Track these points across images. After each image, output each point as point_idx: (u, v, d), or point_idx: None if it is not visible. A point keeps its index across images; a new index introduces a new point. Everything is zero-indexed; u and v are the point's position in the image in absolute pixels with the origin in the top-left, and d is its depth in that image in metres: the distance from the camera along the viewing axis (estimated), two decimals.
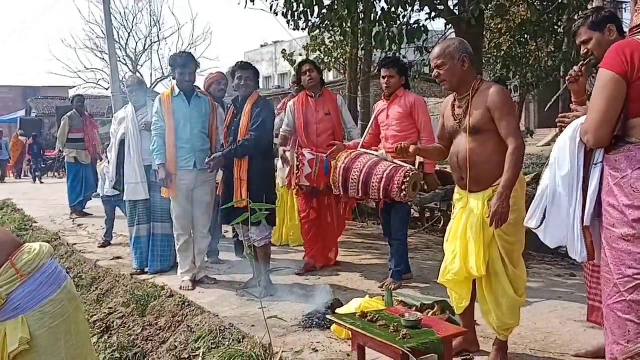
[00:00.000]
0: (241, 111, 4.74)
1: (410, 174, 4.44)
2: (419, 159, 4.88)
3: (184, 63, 4.99)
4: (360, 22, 6.89)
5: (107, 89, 23.47)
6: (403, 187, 4.42)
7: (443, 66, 3.27)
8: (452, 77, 3.27)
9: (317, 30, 8.58)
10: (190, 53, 5.32)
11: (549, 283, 4.99)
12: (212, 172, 4.88)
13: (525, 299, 3.34)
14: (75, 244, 7.27)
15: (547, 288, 4.82)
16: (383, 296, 4.02)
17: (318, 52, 10.94)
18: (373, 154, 4.72)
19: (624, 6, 11.85)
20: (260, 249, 4.79)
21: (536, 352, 3.50)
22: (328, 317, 3.69)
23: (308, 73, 5.44)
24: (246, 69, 4.80)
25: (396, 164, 4.54)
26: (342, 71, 12.69)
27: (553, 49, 8.91)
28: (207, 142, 5.07)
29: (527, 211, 3.42)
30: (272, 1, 7.58)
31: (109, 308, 5.12)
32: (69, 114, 9.46)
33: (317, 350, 3.58)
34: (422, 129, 4.91)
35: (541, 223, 2.61)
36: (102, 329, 4.91)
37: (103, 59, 24.25)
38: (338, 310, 3.87)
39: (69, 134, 9.24)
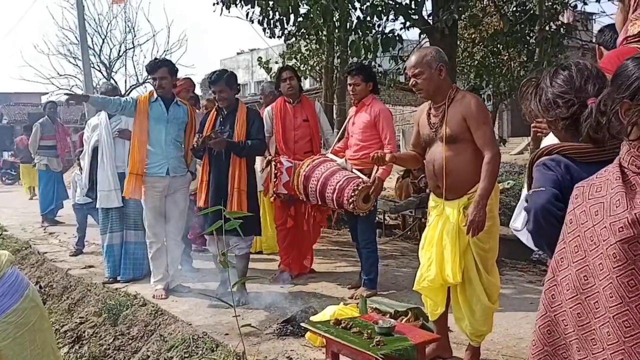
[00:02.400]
0: (228, 120, 4.68)
1: (360, 187, 4.48)
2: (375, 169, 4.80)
3: (152, 69, 4.96)
4: (336, 30, 6.93)
5: None
6: (352, 199, 4.47)
7: (420, 75, 3.29)
8: (429, 86, 3.29)
9: (293, 38, 8.61)
10: (167, 59, 5.27)
11: (521, 289, 5.05)
12: (199, 150, 4.65)
13: (498, 306, 3.38)
14: (46, 252, 7.15)
15: (519, 294, 4.89)
16: (357, 303, 4.03)
17: (294, 60, 10.97)
18: (335, 160, 4.76)
19: (594, 17, 12.11)
20: (242, 258, 4.77)
21: (508, 357, 3.54)
22: (302, 324, 3.68)
23: (288, 80, 5.40)
24: (215, 83, 4.65)
25: (354, 174, 4.61)
26: (318, 79, 12.73)
27: (525, 59, 9.06)
28: (181, 150, 5.03)
29: (500, 218, 3.50)
30: (248, 9, 7.58)
31: (80, 317, 5.05)
32: (40, 120, 9.32)
33: (291, 358, 3.57)
34: (387, 141, 4.76)
35: (526, 224, 2.66)
36: (73, 338, 4.84)
37: (77, 65, 23.91)
38: (312, 318, 3.86)
39: (41, 140, 9.10)
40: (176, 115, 4.99)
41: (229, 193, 4.56)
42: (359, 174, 4.59)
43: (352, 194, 4.46)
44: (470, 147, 3.22)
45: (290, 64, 10.79)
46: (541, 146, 2.60)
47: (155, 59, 5.23)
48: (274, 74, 7.97)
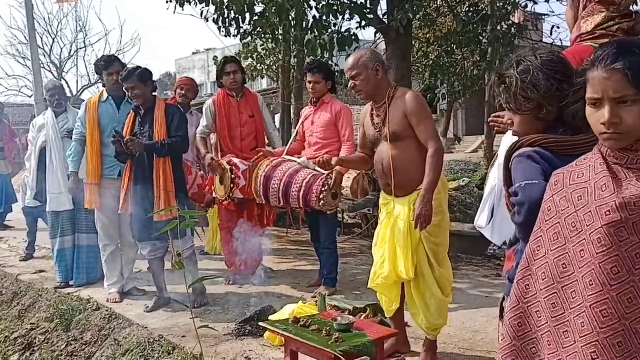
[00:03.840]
0: (147, 120, 4.45)
1: (329, 183, 4.42)
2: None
3: (108, 65, 4.83)
4: (292, 29, 6.92)
5: (30, 97, 22.53)
6: (321, 196, 4.40)
7: (358, 77, 3.32)
8: (367, 87, 3.33)
9: (249, 38, 8.56)
10: (114, 55, 5.15)
11: (476, 284, 5.14)
12: (122, 155, 4.44)
13: (451, 299, 3.42)
14: None
15: (474, 289, 4.97)
16: (317, 301, 4.02)
17: (250, 60, 10.91)
18: (295, 161, 4.68)
19: (544, 18, 12.46)
20: (188, 260, 4.66)
21: (464, 350, 3.59)
22: (261, 324, 3.65)
23: (232, 75, 5.13)
24: (127, 79, 4.39)
25: (317, 171, 4.51)
26: (275, 79, 12.70)
27: (478, 59, 9.24)
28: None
29: (449, 212, 3.54)
30: (203, 7, 7.48)
31: (31, 324, 4.88)
32: None
33: (250, 359, 3.53)
34: (346, 139, 4.79)
35: (491, 220, 2.68)
36: (23, 345, 4.68)
37: (26, 65, 23.30)
38: (271, 317, 3.84)
39: None
40: (128, 114, 4.87)
41: (155, 195, 4.31)
42: (323, 171, 4.43)
43: (322, 189, 4.39)
44: (414, 144, 3.25)
45: (247, 63, 10.72)
46: (503, 143, 2.64)
47: (104, 55, 5.09)
48: None
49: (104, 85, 4.97)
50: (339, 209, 7.61)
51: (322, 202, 4.41)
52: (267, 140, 5.76)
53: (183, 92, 5.69)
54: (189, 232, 4.39)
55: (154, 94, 4.56)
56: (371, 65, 3.29)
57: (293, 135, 5.15)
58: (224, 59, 5.37)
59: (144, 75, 4.43)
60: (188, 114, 5.57)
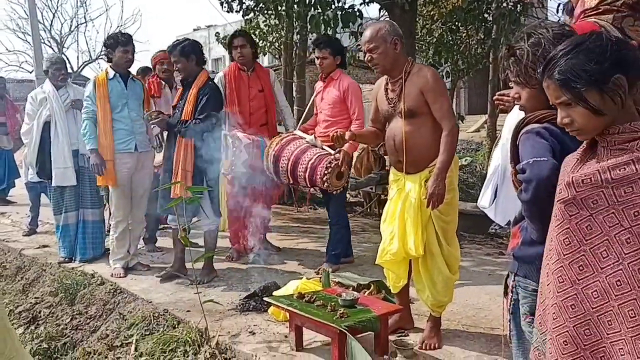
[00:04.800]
0: (185, 94, 4.50)
1: (333, 165, 4.39)
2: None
3: (127, 41, 4.80)
4: (295, 5, 6.83)
5: (30, 72, 22.44)
6: (325, 178, 4.38)
7: (376, 50, 3.23)
8: (385, 61, 3.25)
9: (252, 14, 8.46)
10: (129, 34, 5.09)
11: (480, 262, 5.16)
12: (152, 126, 4.60)
13: (458, 276, 3.42)
14: None
15: (477, 266, 4.99)
16: (320, 277, 4.04)
17: (252, 36, 10.79)
18: (304, 138, 4.66)
19: None
20: (208, 235, 4.67)
21: (468, 327, 3.61)
22: (265, 299, 3.68)
23: (239, 49, 5.11)
24: (172, 52, 4.46)
25: (324, 150, 4.51)
26: (277, 56, 12.58)
27: (482, 36, 9.15)
28: (144, 126, 4.90)
29: (458, 190, 3.54)
30: None
31: (36, 298, 4.91)
32: None
33: (254, 333, 3.56)
34: (355, 117, 4.73)
35: (493, 201, 2.68)
36: (28, 319, 4.70)
37: (26, 40, 23.16)
38: (275, 293, 3.86)
39: None
40: (135, 91, 4.87)
41: (173, 172, 4.38)
42: (330, 150, 4.49)
43: (325, 172, 4.37)
44: (429, 121, 3.21)
45: None
46: (507, 122, 2.62)
47: (120, 32, 5.05)
48: None
49: (108, 61, 4.91)
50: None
51: (325, 183, 4.41)
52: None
53: (164, 67, 5.59)
54: (209, 209, 4.48)
55: (203, 67, 4.58)
56: (390, 39, 3.21)
57: (305, 112, 5.11)
58: (233, 33, 5.39)
59: (185, 48, 4.43)
60: (174, 88, 5.57)
